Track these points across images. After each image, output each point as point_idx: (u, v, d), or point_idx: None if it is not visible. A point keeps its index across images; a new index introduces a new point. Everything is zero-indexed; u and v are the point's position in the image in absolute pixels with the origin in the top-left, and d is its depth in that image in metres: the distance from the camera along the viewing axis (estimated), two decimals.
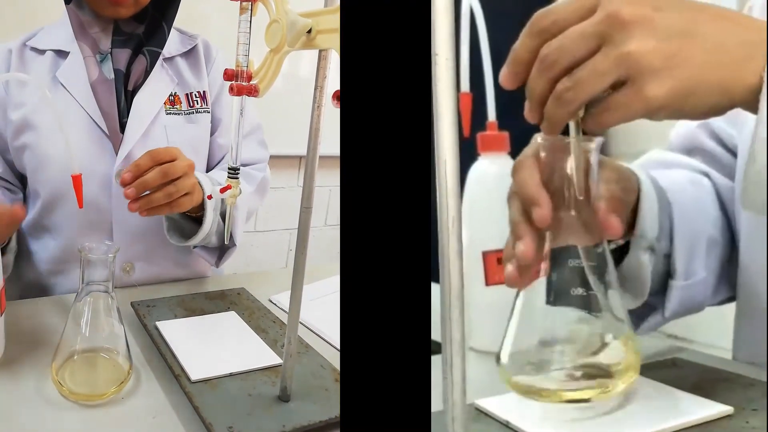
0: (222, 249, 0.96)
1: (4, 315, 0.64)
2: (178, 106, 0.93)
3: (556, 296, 0.48)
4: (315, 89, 0.52)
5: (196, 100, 0.95)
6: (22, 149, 0.87)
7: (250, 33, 0.60)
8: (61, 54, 0.89)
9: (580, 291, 0.47)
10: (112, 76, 0.88)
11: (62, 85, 0.87)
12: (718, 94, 0.40)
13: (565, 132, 0.46)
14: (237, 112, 0.64)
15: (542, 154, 0.48)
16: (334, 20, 0.47)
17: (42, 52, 0.89)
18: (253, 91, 0.60)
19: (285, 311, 0.82)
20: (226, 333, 0.74)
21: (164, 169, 0.74)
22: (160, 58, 0.91)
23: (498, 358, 0.49)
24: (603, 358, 0.47)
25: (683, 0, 0.41)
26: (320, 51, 0.51)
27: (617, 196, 0.52)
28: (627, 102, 0.40)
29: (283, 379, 0.59)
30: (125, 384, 0.59)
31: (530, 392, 0.48)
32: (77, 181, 0.62)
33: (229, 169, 0.67)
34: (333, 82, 0.50)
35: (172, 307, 0.79)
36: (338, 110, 0.45)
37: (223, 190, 0.66)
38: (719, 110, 0.41)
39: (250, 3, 0.58)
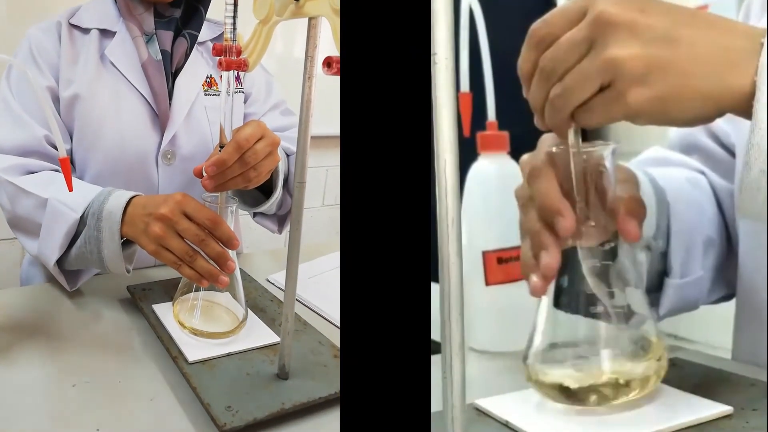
0: (282, 215, 0.97)
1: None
2: (215, 87, 0.94)
3: (568, 298, 0.47)
4: (306, 59, 0.50)
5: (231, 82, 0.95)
6: (70, 127, 0.86)
7: (236, 6, 0.59)
8: (107, 33, 0.88)
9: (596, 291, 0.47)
10: (160, 57, 0.87)
11: (112, 63, 0.86)
12: (700, 102, 0.39)
13: (583, 138, 0.46)
14: (224, 91, 0.63)
15: (558, 163, 0.47)
16: None
17: (87, 30, 0.88)
18: (242, 66, 0.59)
19: (282, 290, 0.81)
20: None
21: (245, 159, 0.68)
22: (196, 41, 0.92)
23: (525, 358, 0.49)
24: (629, 359, 0.46)
25: (670, 4, 0.40)
26: (309, 19, 0.50)
27: (637, 197, 0.51)
28: (607, 105, 0.40)
29: (281, 357, 0.58)
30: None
31: (555, 393, 0.47)
32: (65, 164, 0.61)
33: (219, 146, 0.66)
34: (324, 51, 0.48)
35: (168, 290, 0.78)
36: (335, 89, 0.44)
37: None
38: (704, 118, 0.40)
39: None
